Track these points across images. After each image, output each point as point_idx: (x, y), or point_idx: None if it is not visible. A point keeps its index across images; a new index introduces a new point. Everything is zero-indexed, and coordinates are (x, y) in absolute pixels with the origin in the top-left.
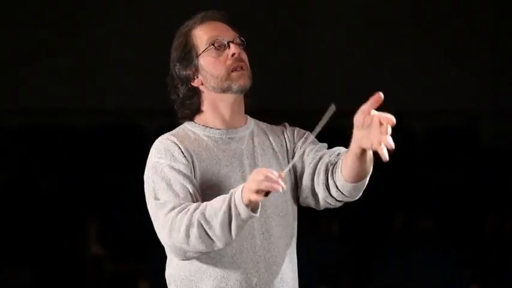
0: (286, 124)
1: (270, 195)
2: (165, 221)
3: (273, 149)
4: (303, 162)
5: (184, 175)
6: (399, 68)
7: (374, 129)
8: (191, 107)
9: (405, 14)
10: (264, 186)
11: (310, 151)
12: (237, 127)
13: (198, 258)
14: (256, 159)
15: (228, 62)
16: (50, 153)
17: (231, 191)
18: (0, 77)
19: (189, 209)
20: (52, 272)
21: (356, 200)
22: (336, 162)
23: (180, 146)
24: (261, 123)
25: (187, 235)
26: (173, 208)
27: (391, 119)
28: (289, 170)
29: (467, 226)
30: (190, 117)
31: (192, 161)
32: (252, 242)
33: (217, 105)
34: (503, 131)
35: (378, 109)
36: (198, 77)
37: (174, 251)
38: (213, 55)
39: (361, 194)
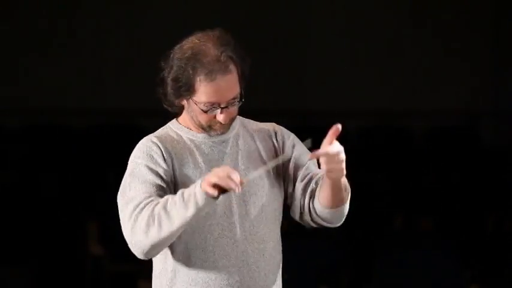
0: (275, 126)
1: (221, 197)
2: (129, 217)
3: (259, 152)
4: (291, 173)
5: (160, 177)
6: (399, 68)
7: (328, 164)
8: (177, 107)
9: (405, 14)
10: (224, 182)
11: (299, 164)
12: None
13: (179, 263)
14: (241, 163)
15: (213, 120)
16: (50, 153)
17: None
18: (0, 76)
19: (151, 204)
20: (52, 272)
21: (356, 200)
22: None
23: (161, 148)
24: (247, 122)
25: (148, 225)
26: (139, 204)
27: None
28: (279, 175)
29: (467, 226)
30: (178, 108)
31: (172, 165)
32: (234, 247)
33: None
34: (503, 131)
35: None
36: (184, 101)
37: (136, 248)
38: (204, 109)
39: (342, 221)
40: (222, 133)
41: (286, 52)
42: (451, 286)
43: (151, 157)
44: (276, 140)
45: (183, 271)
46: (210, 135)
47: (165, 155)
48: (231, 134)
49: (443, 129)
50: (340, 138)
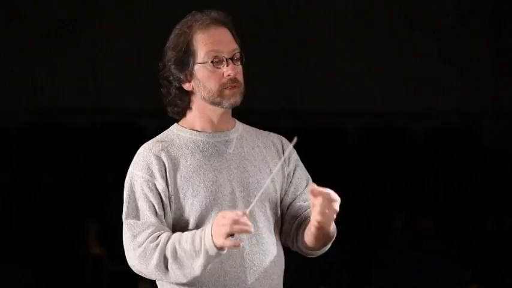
0: (282, 139)
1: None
2: (134, 246)
3: (263, 155)
4: (287, 193)
5: (157, 192)
6: (399, 68)
7: (322, 207)
8: (180, 106)
9: (405, 15)
10: (236, 229)
11: (297, 188)
12: (224, 131)
13: None
14: (245, 163)
15: (223, 80)
16: (50, 153)
17: (200, 232)
18: (0, 77)
19: (159, 241)
20: (52, 272)
21: (356, 200)
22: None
23: (162, 157)
24: (249, 127)
25: (158, 269)
26: (140, 232)
27: (333, 200)
28: (281, 184)
29: (467, 226)
30: (180, 113)
31: (174, 172)
32: (240, 248)
33: (206, 112)
34: (503, 131)
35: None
36: (190, 82)
37: (136, 270)
38: (210, 69)
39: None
40: (235, 103)
41: (286, 52)
42: (451, 286)
43: (149, 169)
44: (283, 153)
45: None
46: (223, 107)
47: (166, 163)
48: (234, 135)
49: (443, 129)
50: (341, 138)
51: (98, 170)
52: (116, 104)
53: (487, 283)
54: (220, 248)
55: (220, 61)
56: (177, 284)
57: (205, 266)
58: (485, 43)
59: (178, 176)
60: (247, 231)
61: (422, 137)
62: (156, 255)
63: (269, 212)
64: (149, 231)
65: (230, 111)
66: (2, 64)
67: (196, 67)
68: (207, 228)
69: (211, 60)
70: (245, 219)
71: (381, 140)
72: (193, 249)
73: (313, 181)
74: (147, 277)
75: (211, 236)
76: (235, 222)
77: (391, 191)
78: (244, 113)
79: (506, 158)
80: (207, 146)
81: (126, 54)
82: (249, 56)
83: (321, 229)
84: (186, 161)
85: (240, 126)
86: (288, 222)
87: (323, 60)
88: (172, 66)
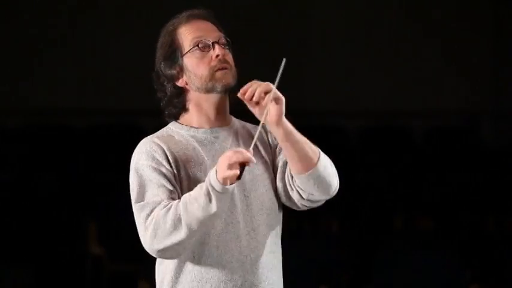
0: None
1: (244, 173)
2: (148, 223)
3: (258, 149)
4: (278, 161)
5: (165, 176)
6: (399, 68)
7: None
8: (177, 106)
9: (405, 14)
10: (236, 158)
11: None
12: (221, 126)
13: (182, 259)
14: None
15: (212, 63)
16: (50, 153)
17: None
18: (0, 77)
19: (171, 205)
20: (52, 272)
21: (356, 200)
22: None
23: (163, 147)
24: (246, 123)
25: (175, 227)
26: (153, 209)
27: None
28: (271, 169)
29: (467, 226)
30: (176, 116)
31: (176, 164)
32: (237, 242)
33: (202, 105)
34: (503, 131)
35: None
36: (182, 77)
37: (157, 253)
38: (197, 56)
39: (330, 192)
40: (228, 84)
41: (286, 52)
42: (451, 286)
43: (154, 157)
44: (266, 134)
45: (187, 267)
46: (218, 91)
47: (167, 153)
48: (231, 130)
49: (443, 129)
50: (341, 138)
51: (98, 170)
52: (116, 104)
53: (487, 283)
54: (224, 182)
55: (207, 45)
56: (177, 277)
57: (217, 205)
58: (485, 43)
59: (177, 170)
60: (246, 159)
61: (422, 137)
62: (170, 214)
63: (267, 204)
64: (161, 206)
65: (227, 105)
66: (2, 64)
67: (185, 59)
68: (211, 170)
69: (196, 44)
70: (245, 152)
71: (381, 140)
72: (201, 192)
73: None
74: (162, 255)
75: (216, 173)
76: (237, 152)
77: (391, 191)
78: (244, 113)
79: (506, 158)
80: (205, 142)
81: (126, 54)
82: (250, 56)
83: (289, 138)
84: (185, 155)
85: (236, 122)
86: (281, 178)
87: (323, 60)
88: (162, 64)
